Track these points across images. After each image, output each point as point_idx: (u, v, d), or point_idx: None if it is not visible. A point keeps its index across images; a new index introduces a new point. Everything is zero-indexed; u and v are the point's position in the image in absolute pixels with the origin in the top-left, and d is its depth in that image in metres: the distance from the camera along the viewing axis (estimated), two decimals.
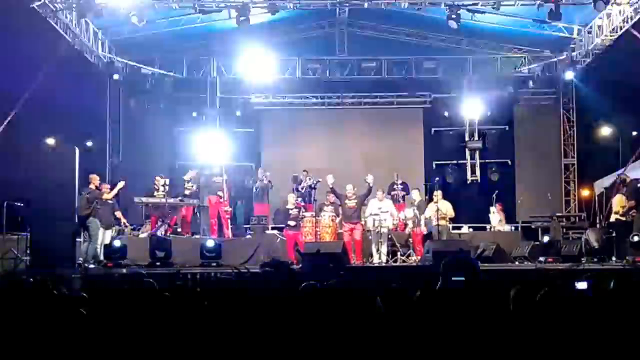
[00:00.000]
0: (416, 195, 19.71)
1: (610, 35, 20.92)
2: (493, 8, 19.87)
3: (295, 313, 5.02)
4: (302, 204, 19.94)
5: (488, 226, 21.75)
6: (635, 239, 16.29)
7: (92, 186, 17.38)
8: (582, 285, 8.97)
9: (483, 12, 20.76)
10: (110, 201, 18.02)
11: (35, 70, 19.08)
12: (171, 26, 22.12)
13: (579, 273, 12.05)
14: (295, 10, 21.55)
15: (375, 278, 14.36)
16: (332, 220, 18.69)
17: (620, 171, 19.15)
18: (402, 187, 21.18)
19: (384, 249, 18.17)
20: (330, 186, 18.49)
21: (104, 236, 17.76)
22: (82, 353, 4.48)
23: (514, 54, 25.04)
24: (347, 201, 18.50)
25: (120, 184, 18.56)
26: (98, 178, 17.90)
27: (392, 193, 21.14)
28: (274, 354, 4.65)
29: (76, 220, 16.36)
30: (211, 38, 24.20)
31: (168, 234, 18.78)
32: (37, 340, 4.15)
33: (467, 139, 25.19)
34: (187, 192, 19.63)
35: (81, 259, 16.63)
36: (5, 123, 18.57)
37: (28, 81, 18.97)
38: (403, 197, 21.17)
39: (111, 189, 18.56)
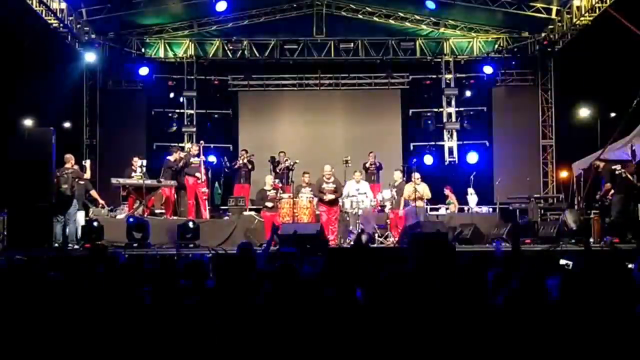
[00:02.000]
0: (397, 177, 19.63)
1: (589, 16, 20.90)
2: None
3: None
4: (280, 185, 19.86)
5: (466, 207, 21.75)
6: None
7: (68, 165, 17.26)
8: (565, 261, 9.11)
9: None
10: (82, 181, 17.89)
11: (9, 50, 18.92)
12: (149, 6, 22.00)
13: (556, 254, 12.10)
14: None
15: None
16: (310, 201, 18.64)
17: (597, 153, 19.10)
18: (376, 166, 21.07)
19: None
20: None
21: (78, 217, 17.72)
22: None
23: (492, 34, 25.01)
24: (324, 185, 18.53)
25: (88, 162, 18.50)
26: (73, 158, 17.79)
27: (369, 171, 21.03)
28: None
29: (53, 200, 16.23)
30: (189, 19, 24.10)
31: (145, 215, 18.67)
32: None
33: (445, 120, 25.23)
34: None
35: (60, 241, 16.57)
36: None
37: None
38: (377, 177, 21.09)
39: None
